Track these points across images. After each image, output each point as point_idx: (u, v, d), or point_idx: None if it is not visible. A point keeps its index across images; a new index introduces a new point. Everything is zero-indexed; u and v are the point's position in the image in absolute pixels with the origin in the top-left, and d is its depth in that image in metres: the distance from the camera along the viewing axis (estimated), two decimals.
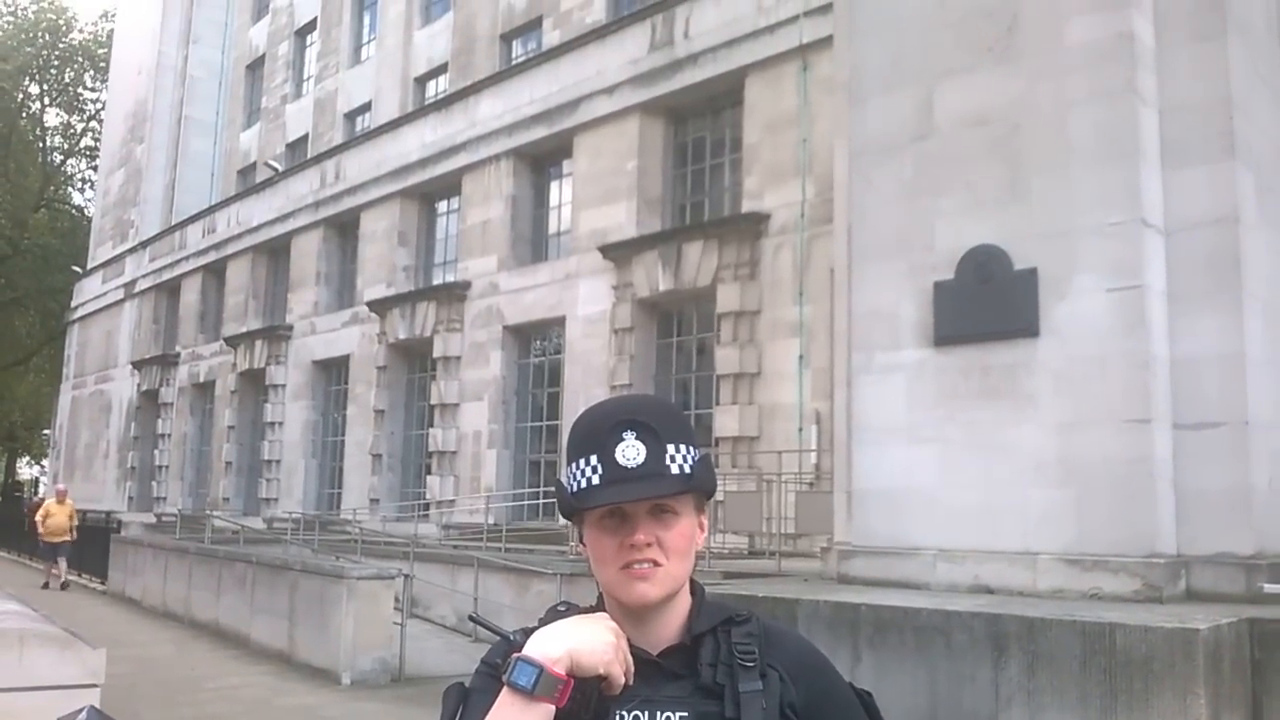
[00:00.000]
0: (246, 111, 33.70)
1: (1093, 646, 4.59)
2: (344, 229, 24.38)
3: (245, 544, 16.32)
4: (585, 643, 1.28)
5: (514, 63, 21.18)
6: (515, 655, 1.27)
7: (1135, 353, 5.80)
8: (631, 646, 1.33)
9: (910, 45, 6.98)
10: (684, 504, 1.38)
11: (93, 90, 48.04)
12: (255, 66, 33.29)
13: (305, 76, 30.32)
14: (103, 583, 19.46)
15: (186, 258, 30.88)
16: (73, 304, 40.11)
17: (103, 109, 45.29)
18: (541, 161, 19.29)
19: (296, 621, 11.64)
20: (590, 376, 16.50)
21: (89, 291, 38.42)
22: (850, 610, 5.56)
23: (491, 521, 16.76)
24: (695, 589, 1.44)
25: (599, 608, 1.41)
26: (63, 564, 19.60)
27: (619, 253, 16.36)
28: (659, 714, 1.33)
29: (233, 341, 26.88)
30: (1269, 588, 5.47)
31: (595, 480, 1.36)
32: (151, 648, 12.48)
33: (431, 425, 19.93)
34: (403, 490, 21.29)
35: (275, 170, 27.22)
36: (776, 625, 1.45)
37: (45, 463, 51.10)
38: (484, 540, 15.41)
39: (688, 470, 1.37)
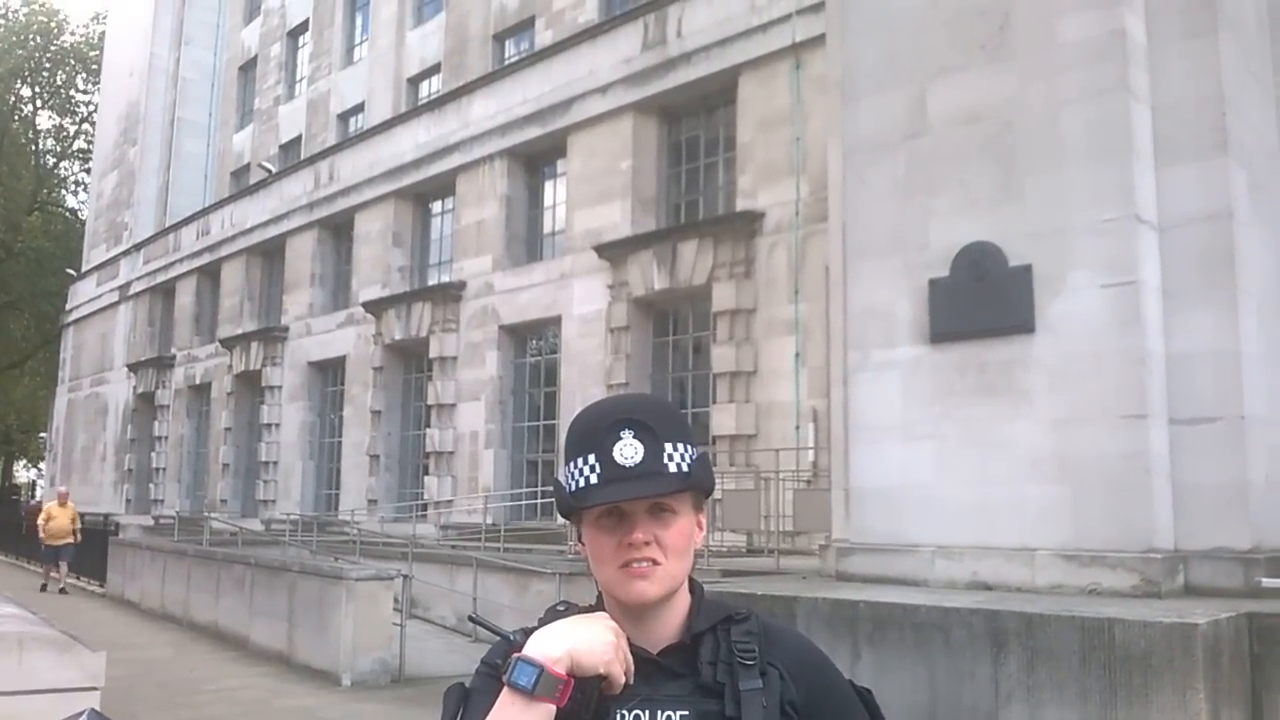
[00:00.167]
0: (239, 113, 33.65)
1: (1092, 642, 4.60)
2: (338, 230, 24.35)
3: (243, 546, 16.29)
4: (585, 642, 1.28)
5: (507, 63, 21.16)
6: (515, 655, 1.28)
7: (1130, 349, 5.81)
8: (631, 645, 1.33)
9: (903, 44, 6.99)
10: (682, 502, 1.39)
11: (85, 92, 48.00)
12: (248, 68, 33.24)
13: (298, 77, 30.28)
14: (101, 585, 19.44)
15: (181, 260, 30.83)
16: (67, 307, 40.03)
17: (95, 111, 45.22)
18: (535, 161, 19.29)
19: (295, 623, 11.63)
20: (587, 376, 16.51)
21: (83, 294, 38.34)
22: (849, 607, 5.57)
23: (489, 521, 16.76)
24: (694, 587, 1.44)
25: (598, 607, 1.41)
26: (63, 568, 19.57)
27: (614, 252, 16.37)
28: (659, 713, 1.33)
29: (228, 343, 26.85)
30: (1267, 582, 5.48)
31: (593, 479, 1.36)
32: (150, 650, 12.46)
33: (428, 426, 19.92)
34: (400, 491, 21.27)
35: (269, 171, 27.18)
36: (776, 623, 1.45)
37: (42, 466, 51.00)
38: (482, 540, 15.41)
39: (686, 469, 1.37)
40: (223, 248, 28.46)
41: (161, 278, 32.01)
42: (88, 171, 46.58)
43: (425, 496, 19.67)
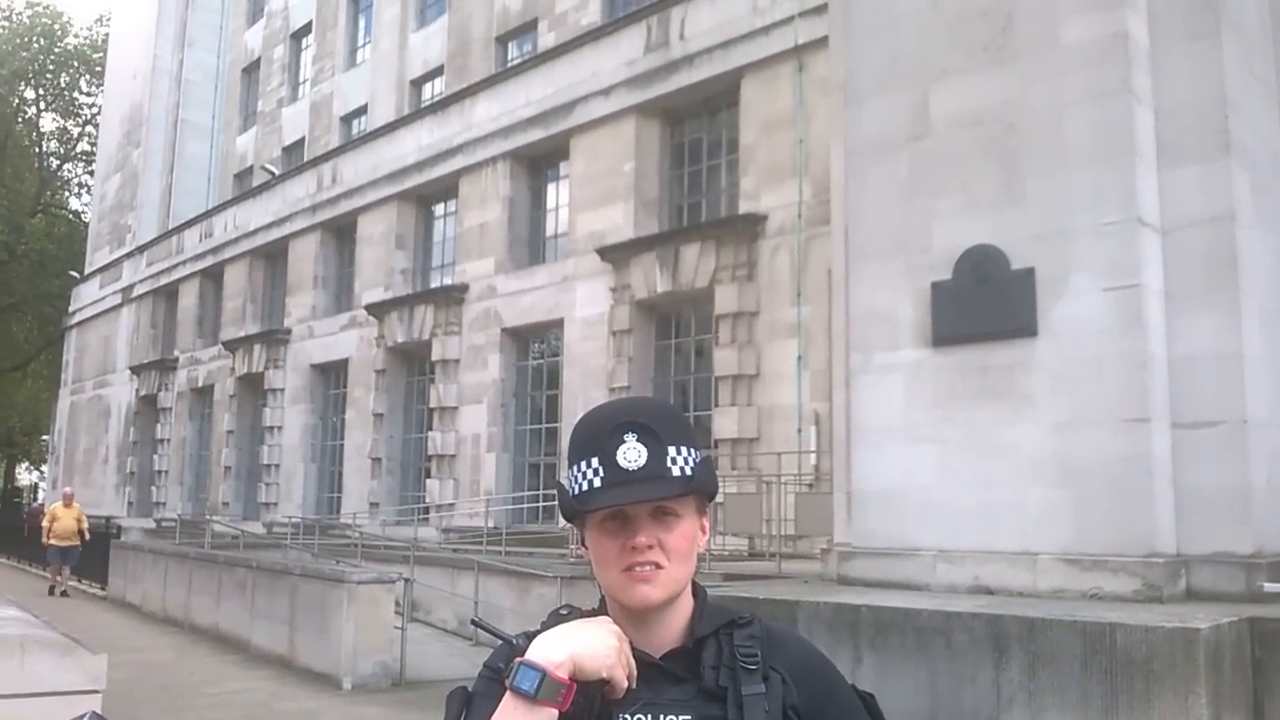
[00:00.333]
0: (242, 115, 33.70)
1: (1093, 646, 4.59)
2: (341, 232, 24.37)
3: (245, 549, 16.29)
4: (588, 646, 1.28)
5: (510, 65, 21.18)
6: (518, 660, 1.28)
7: (1133, 352, 5.80)
8: (634, 649, 1.33)
9: (905, 46, 6.99)
10: (685, 506, 1.39)
11: (88, 95, 48.05)
12: (251, 70, 33.29)
13: (301, 80, 30.34)
14: (103, 588, 19.44)
15: (184, 262, 30.85)
16: (70, 309, 40.06)
17: (98, 113, 45.26)
18: (538, 164, 19.30)
19: (297, 626, 11.63)
20: (589, 379, 16.50)
21: (86, 296, 38.37)
22: (851, 612, 5.57)
23: (491, 525, 16.75)
24: (697, 591, 1.44)
25: (601, 611, 1.41)
26: (66, 571, 19.57)
27: (616, 255, 16.37)
28: (662, 717, 1.33)
29: (231, 346, 26.86)
30: (1269, 586, 5.47)
31: (597, 483, 1.36)
32: (152, 653, 12.47)
33: (430, 429, 19.92)
34: (402, 494, 21.27)
35: (272, 174, 27.22)
36: (778, 627, 1.45)
37: (44, 468, 51.03)
38: (484, 543, 15.40)
39: (689, 472, 1.37)
40: (225, 250, 28.48)
41: (164, 280, 32.04)
42: (91, 174, 46.65)
43: (427, 500, 19.66)
